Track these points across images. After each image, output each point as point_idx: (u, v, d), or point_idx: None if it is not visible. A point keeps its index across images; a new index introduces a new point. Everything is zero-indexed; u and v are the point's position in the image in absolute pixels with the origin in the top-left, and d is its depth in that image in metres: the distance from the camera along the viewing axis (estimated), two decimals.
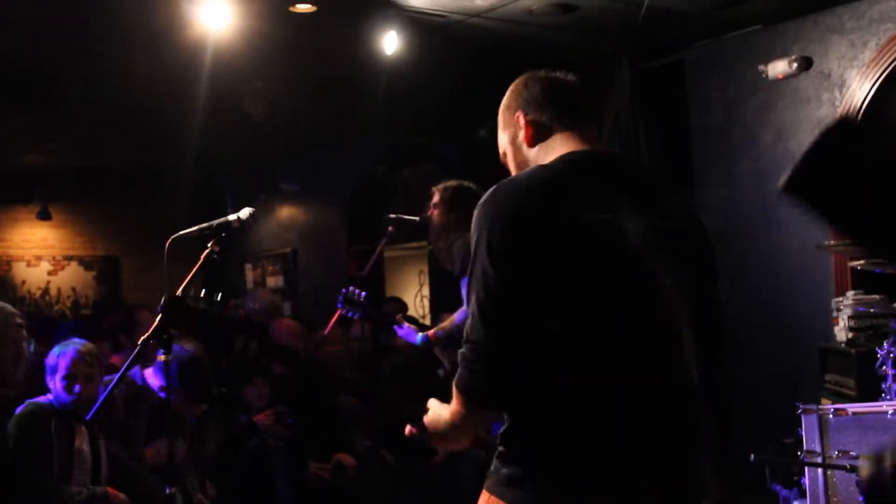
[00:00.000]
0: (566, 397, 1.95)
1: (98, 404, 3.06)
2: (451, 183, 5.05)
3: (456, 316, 4.75)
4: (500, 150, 2.39)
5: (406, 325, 4.82)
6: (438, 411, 2.18)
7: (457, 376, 2.04)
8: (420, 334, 4.79)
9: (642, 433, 1.97)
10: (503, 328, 1.95)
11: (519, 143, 2.28)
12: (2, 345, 3.68)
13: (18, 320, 3.80)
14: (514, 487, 1.98)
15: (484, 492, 2.07)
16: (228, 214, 3.13)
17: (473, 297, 1.98)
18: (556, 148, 2.19)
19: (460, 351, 2.02)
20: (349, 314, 4.59)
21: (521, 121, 2.26)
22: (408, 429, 2.28)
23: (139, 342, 2.90)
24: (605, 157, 2.19)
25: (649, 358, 2.00)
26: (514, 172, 2.28)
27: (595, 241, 1.98)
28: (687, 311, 2.09)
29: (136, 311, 5.70)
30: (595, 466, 1.94)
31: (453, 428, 2.12)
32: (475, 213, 2.02)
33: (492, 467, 2.08)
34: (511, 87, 2.36)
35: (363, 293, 4.61)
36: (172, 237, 3.05)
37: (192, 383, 4.37)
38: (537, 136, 2.24)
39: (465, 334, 2.01)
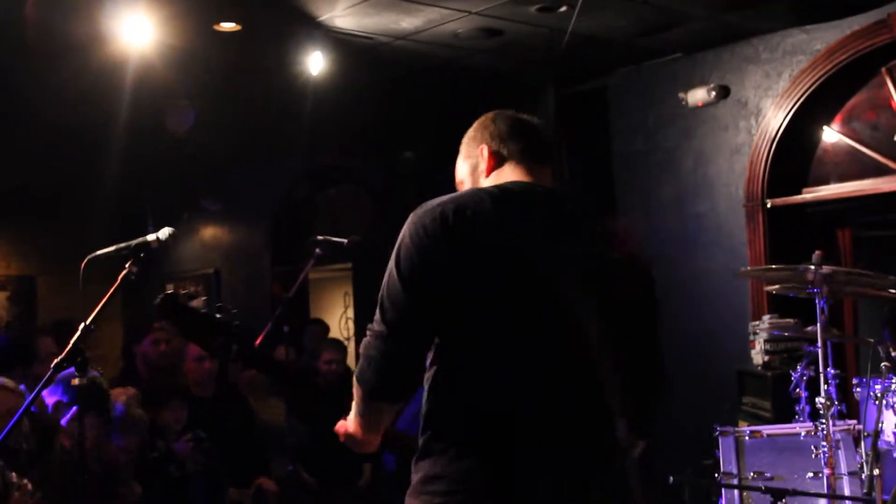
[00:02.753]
0: (464, 404, 2.07)
1: (4, 433, 2.94)
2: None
3: None
4: (458, 179, 2.45)
5: None
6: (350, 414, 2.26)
7: (357, 368, 2.13)
8: None
9: (544, 443, 2.05)
10: (402, 331, 2.06)
11: (479, 173, 2.38)
12: None
13: None
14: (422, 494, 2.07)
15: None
16: (149, 234, 3.06)
17: (380, 294, 2.09)
18: (504, 177, 2.31)
19: (364, 340, 2.10)
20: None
21: (485, 152, 2.36)
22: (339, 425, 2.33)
23: (52, 365, 2.81)
24: (542, 191, 2.25)
25: (551, 377, 2.08)
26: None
27: (497, 265, 2.06)
28: (603, 337, 2.15)
29: (37, 339, 5.42)
30: (492, 473, 2.02)
31: (357, 423, 2.21)
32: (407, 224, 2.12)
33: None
34: (479, 121, 2.46)
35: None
36: (89, 257, 2.98)
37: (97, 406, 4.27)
38: (495, 167, 2.36)
39: (368, 326, 2.10)
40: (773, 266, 4.43)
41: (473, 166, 2.40)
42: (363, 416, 2.20)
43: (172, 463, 5.15)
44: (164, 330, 6.21)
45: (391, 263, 2.10)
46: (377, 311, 2.09)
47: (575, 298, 2.11)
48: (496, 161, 2.36)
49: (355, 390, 2.16)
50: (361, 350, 2.11)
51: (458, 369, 2.08)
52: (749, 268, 6.00)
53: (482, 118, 2.48)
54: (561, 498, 2.04)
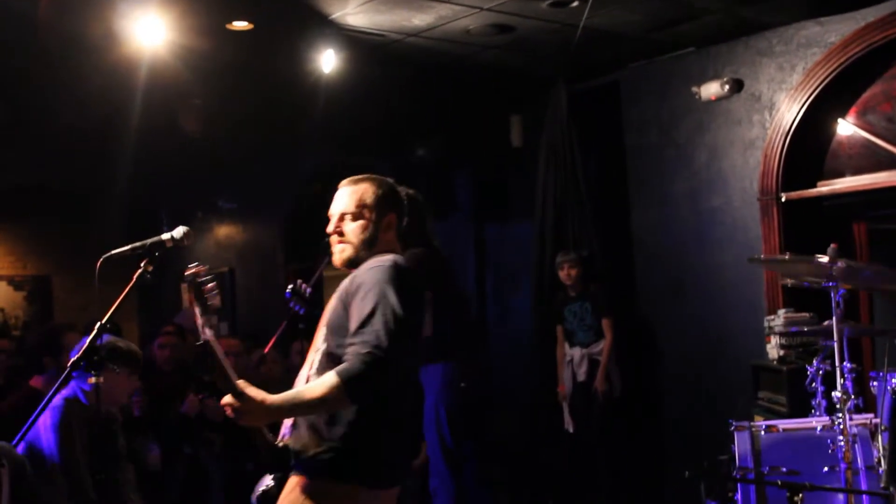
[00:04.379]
0: (390, 406, 2.81)
1: (24, 430, 2.96)
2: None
3: None
4: (354, 222, 3.06)
5: None
6: (299, 390, 2.73)
7: (346, 368, 2.61)
8: None
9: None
10: (398, 353, 2.69)
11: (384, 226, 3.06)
12: None
13: None
14: (345, 467, 2.72)
15: (300, 476, 2.74)
16: (163, 233, 3.07)
17: (386, 318, 2.69)
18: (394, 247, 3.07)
19: (363, 351, 2.62)
20: (296, 307, 4.53)
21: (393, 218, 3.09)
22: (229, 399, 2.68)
23: (69, 364, 2.83)
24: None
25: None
26: (360, 239, 3.02)
27: None
28: None
29: (61, 333, 5.55)
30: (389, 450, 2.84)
31: (312, 405, 2.64)
32: (382, 270, 2.82)
33: (315, 457, 2.72)
34: (389, 186, 3.14)
35: (309, 289, 4.57)
36: (104, 256, 2.99)
37: None
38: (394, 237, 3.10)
39: (369, 339, 2.63)
40: (787, 257, 4.39)
41: (385, 225, 3.06)
42: (312, 407, 2.66)
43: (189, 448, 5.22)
44: (170, 335, 6.25)
45: (399, 300, 2.73)
46: (382, 335, 2.66)
47: None
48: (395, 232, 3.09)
49: (335, 389, 2.60)
50: (355, 355, 2.63)
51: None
52: (762, 255, 5.96)
53: (392, 186, 3.13)
54: None
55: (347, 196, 3.05)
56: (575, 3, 5.48)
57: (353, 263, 3.01)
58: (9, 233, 10.77)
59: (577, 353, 6.70)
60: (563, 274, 6.79)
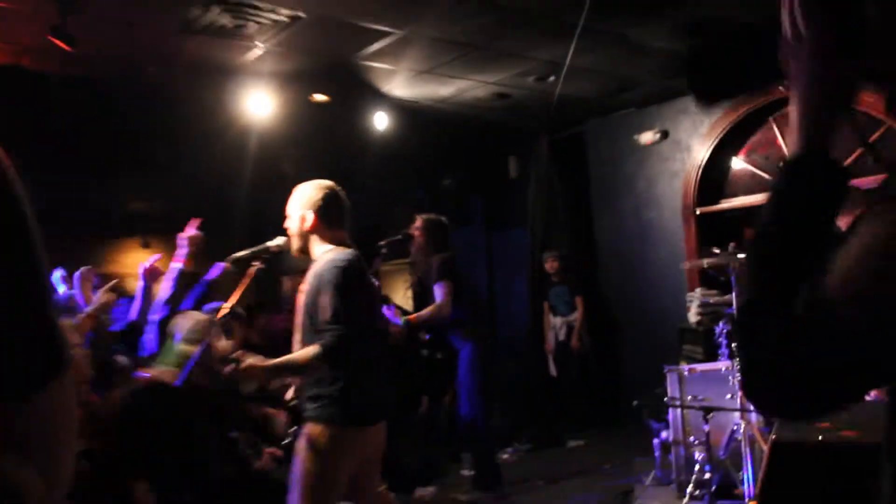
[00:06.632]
0: (360, 365, 2.64)
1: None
2: (428, 215, 5.14)
3: (428, 310, 4.85)
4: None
5: (393, 307, 4.91)
6: (290, 356, 2.63)
7: (325, 343, 2.52)
8: (403, 318, 4.86)
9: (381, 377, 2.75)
10: (351, 329, 2.57)
11: (301, 222, 2.78)
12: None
13: None
14: (332, 409, 2.58)
15: (310, 423, 2.59)
16: (269, 241, 3.07)
17: (339, 314, 2.55)
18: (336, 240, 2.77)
19: (335, 334, 2.52)
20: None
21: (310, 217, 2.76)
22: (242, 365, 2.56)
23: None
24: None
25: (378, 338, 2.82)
26: (293, 234, 2.79)
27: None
28: None
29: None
30: (368, 397, 2.67)
31: (301, 367, 2.58)
32: (332, 273, 2.60)
33: (310, 407, 2.61)
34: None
35: (377, 282, 4.24)
36: (230, 257, 3.00)
37: None
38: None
39: (337, 328, 2.53)
40: (705, 259, 4.38)
41: (301, 221, 2.78)
42: (298, 368, 2.59)
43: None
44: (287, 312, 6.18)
45: (342, 297, 2.57)
46: (342, 325, 2.54)
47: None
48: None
49: (317, 357, 2.52)
50: (335, 340, 2.52)
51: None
52: (687, 262, 5.94)
53: (322, 189, 2.83)
54: None
55: (292, 199, 2.82)
56: (551, 79, 5.52)
57: (300, 251, 2.79)
58: (168, 243, 10.84)
59: (559, 321, 6.70)
60: (548, 266, 6.79)
